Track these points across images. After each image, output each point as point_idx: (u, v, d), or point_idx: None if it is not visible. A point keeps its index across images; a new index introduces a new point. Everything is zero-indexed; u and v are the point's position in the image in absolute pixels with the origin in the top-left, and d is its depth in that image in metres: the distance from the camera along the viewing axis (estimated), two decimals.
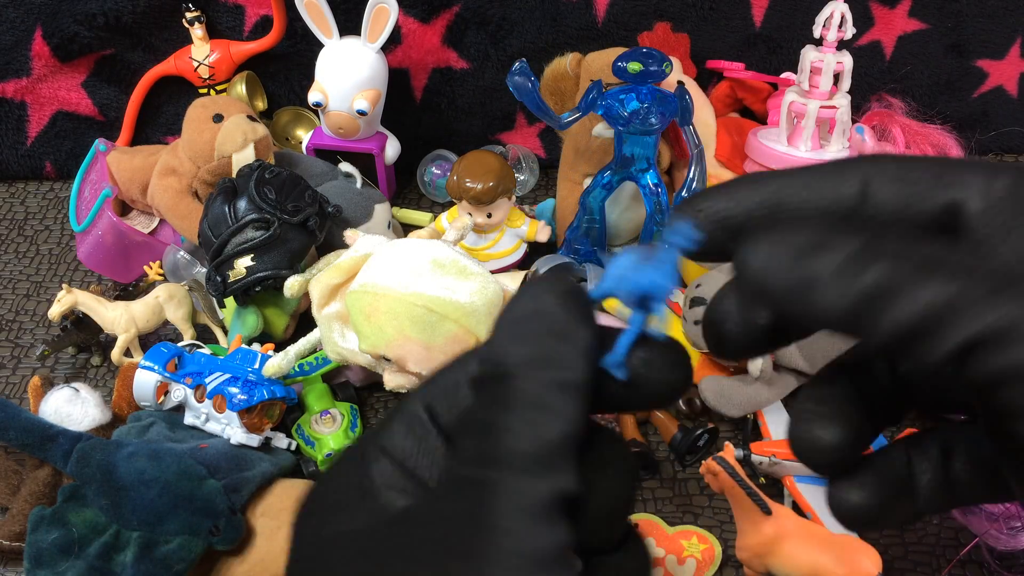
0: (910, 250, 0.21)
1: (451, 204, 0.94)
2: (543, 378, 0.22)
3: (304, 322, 0.90)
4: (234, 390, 0.75)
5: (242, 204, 0.82)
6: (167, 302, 0.86)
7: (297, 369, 0.81)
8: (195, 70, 1.02)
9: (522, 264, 0.93)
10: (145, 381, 0.76)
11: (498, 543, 0.21)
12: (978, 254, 0.22)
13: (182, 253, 0.91)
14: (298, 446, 0.79)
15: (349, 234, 0.83)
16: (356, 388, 0.85)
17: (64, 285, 0.85)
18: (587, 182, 0.92)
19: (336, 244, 0.86)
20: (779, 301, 0.23)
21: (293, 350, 0.78)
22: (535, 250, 0.94)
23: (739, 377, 0.80)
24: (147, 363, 0.77)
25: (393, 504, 0.24)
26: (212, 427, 0.76)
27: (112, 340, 0.86)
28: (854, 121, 0.96)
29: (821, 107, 0.90)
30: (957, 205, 0.23)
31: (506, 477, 0.22)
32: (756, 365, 0.77)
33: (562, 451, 0.22)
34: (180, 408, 0.78)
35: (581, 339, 0.23)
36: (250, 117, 0.90)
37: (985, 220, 0.23)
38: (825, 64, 0.89)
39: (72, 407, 0.76)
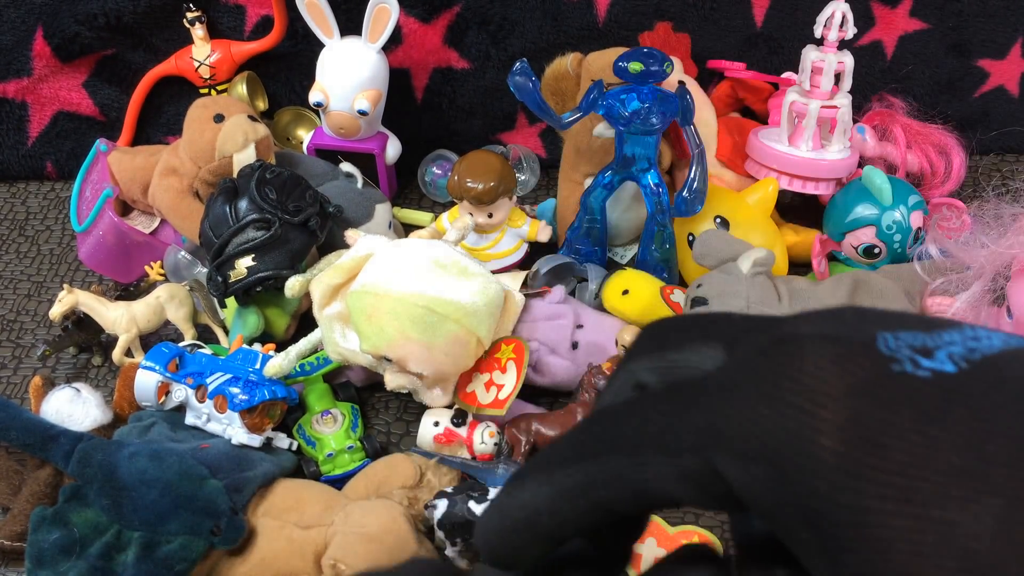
0: None
1: (452, 204, 0.94)
2: None
3: (305, 322, 0.90)
4: (235, 390, 0.75)
5: (243, 204, 0.82)
6: (168, 302, 0.86)
7: (298, 369, 0.81)
8: (196, 70, 1.02)
9: (523, 264, 0.93)
10: (146, 381, 0.76)
11: None
12: None
13: (183, 253, 0.91)
14: (299, 446, 0.79)
15: (350, 234, 0.83)
16: (357, 388, 0.85)
17: (65, 285, 0.85)
18: (588, 182, 0.92)
19: (337, 244, 0.86)
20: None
21: (294, 350, 0.78)
22: (536, 250, 0.94)
23: None
24: (148, 363, 0.77)
25: None
26: (213, 427, 0.76)
27: (113, 340, 0.86)
28: (855, 121, 0.96)
29: (822, 107, 0.90)
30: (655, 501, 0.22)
31: None
32: None
33: None
34: (181, 408, 0.78)
35: None
36: (251, 117, 0.90)
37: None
38: (826, 64, 0.89)
39: (73, 407, 0.76)
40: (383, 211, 0.93)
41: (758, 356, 0.20)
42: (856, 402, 0.18)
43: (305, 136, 1.03)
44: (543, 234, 0.93)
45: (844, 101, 0.91)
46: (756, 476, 0.19)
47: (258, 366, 0.77)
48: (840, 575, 0.18)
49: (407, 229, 0.99)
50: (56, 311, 0.85)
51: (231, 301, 0.86)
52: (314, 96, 0.95)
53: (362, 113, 0.95)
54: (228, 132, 0.89)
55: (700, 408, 0.20)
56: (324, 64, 0.95)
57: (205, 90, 1.04)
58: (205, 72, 1.02)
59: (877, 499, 0.17)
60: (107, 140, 1.03)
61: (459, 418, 0.77)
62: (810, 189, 0.93)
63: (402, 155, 1.02)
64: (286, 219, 0.82)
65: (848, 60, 0.90)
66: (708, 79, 1.06)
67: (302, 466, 0.78)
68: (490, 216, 0.89)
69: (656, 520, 0.73)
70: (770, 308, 0.78)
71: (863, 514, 0.17)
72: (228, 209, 0.82)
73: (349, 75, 0.94)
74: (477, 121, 1.07)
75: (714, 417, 0.20)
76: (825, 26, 0.89)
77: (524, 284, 0.89)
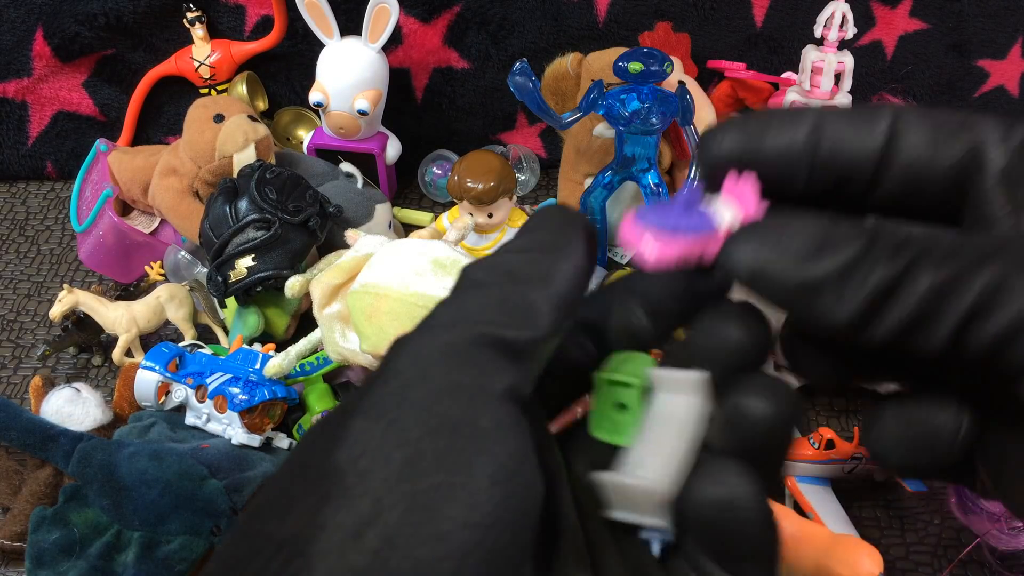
0: (905, 236, 0.21)
1: (452, 204, 0.94)
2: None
3: (305, 322, 0.90)
4: (235, 390, 0.75)
5: (243, 204, 0.82)
6: (168, 302, 0.86)
7: (298, 369, 0.81)
8: (196, 70, 1.02)
9: None
10: (146, 381, 0.76)
11: (385, 377, 0.21)
12: (979, 216, 0.23)
13: (183, 253, 0.91)
14: None
15: (350, 234, 0.83)
16: (357, 388, 0.85)
17: (65, 285, 0.85)
18: (588, 182, 0.92)
19: (337, 244, 0.86)
20: (779, 305, 0.22)
21: (294, 350, 0.78)
22: None
23: None
24: (148, 363, 0.77)
25: None
26: (213, 427, 0.76)
27: (113, 340, 0.86)
28: None
29: (822, 107, 0.90)
30: (977, 150, 0.23)
31: (417, 333, 0.22)
32: None
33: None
34: (181, 408, 0.78)
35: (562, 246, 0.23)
36: (251, 117, 0.90)
37: (1000, 173, 0.22)
38: (826, 64, 0.89)
39: (73, 407, 0.76)
40: (383, 211, 0.93)
41: None
42: None
43: (305, 136, 1.03)
44: None
45: (844, 101, 0.91)
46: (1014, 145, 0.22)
47: (258, 366, 0.77)
48: None
49: (407, 229, 0.99)
50: (56, 311, 0.85)
51: (231, 301, 0.86)
52: (314, 96, 0.95)
53: (362, 113, 0.95)
54: (228, 132, 0.89)
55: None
56: (324, 64, 0.95)
57: (205, 90, 1.04)
58: (205, 72, 1.02)
59: None
60: (107, 140, 1.03)
61: None
62: None
63: (402, 155, 1.02)
64: (286, 219, 0.82)
65: (848, 60, 0.90)
66: (708, 79, 1.06)
67: None
68: (490, 216, 0.89)
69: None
70: (770, 308, 0.78)
71: None
72: (228, 209, 0.82)
73: (349, 75, 0.94)
74: (477, 121, 1.07)
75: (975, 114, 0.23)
76: (825, 26, 0.89)
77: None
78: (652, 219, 0.23)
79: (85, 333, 0.88)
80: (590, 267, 0.24)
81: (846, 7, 0.88)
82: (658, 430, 0.22)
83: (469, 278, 0.23)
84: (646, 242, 0.23)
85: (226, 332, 0.89)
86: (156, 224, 0.99)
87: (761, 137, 0.24)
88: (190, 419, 0.77)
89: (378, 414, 0.20)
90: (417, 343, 0.21)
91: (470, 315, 0.21)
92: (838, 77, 0.91)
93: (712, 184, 0.24)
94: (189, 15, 1.00)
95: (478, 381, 0.20)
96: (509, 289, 0.22)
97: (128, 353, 0.86)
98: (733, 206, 0.23)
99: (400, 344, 0.22)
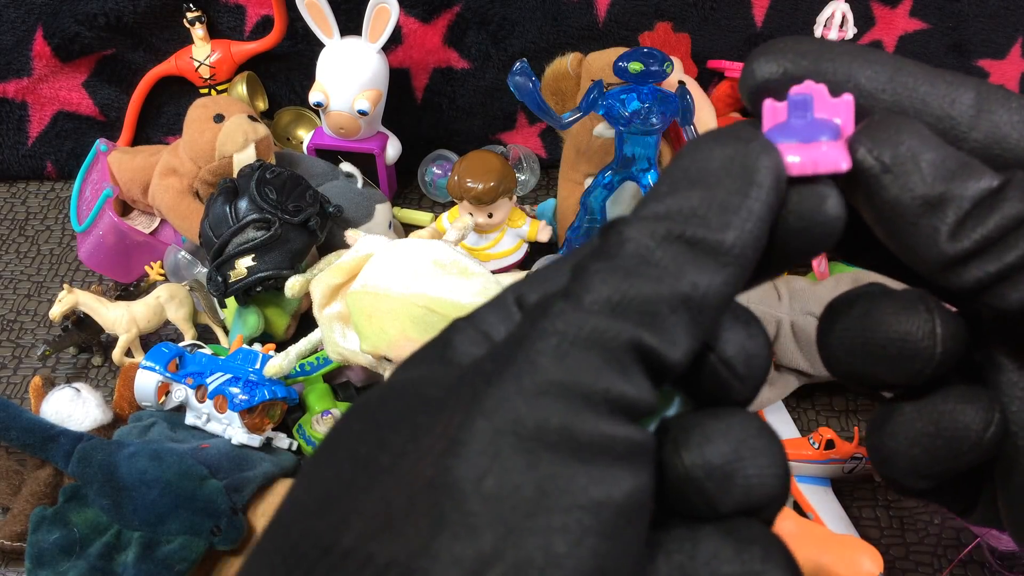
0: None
1: (452, 204, 0.94)
2: (659, 229, 0.19)
3: (305, 322, 0.90)
4: (235, 390, 0.75)
5: (243, 204, 0.82)
6: (168, 302, 0.86)
7: (298, 369, 0.81)
8: (196, 70, 1.02)
9: (523, 264, 0.93)
10: (146, 381, 0.76)
11: (517, 368, 0.18)
12: None
13: (183, 253, 0.91)
14: (299, 446, 0.79)
15: (350, 234, 0.83)
16: (357, 388, 0.85)
17: (65, 285, 0.85)
18: (588, 182, 0.92)
19: (337, 244, 0.86)
20: (880, 216, 0.20)
21: (294, 350, 0.78)
22: (536, 250, 0.94)
23: None
24: (148, 363, 0.77)
25: (465, 354, 0.21)
26: (213, 427, 0.76)
27: (113, 340, 0.86)
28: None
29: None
30: None
31: (564, 307, 0.18)
32: None
33: (655, 307, 0.18)
34: (181, 408, 0.78)
35: (740, 191, 0.19)
36: (251, 117, 0.90)
37: None
38: None
39: (73, 407, 0.76)
40: (383, 211, 0.93)
41: None
42: None
43: (305, 136, 1.03)
44: (543, 234, 0.93)
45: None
46: None
47: (258, 366, 0.77)
48: None
49: (407, 229, 0.99)
50: (56, 311, 0.85)
51: (231, 301, 0.86)
52: (314, 96, 0.95)
53: (362, 113, 0.95)
54: (228, 132, 0.89)
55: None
56: (324, 64, 0.95)
57: (205, 90, 1.04)
58: (205, 72, 1.02)
59: None
60: (107, 140, 1.03)
61: None
62: None
63: (402, 155, 1.02)
64: (286, 219, 0.82)
65: None
66: (708, 79, 1.06)
67: (302, 466, 0.78)
68: (490, 216, 0.89)
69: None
70: (770, 308, 0.78)
71: None
72: (228, 209, 0.82)
73: (349, 75, 0.94)
74: (477, 121, 1.07)
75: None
76: (825, 26, 0.89)
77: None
78: (787, 135, 0.20)
79: (85, 333, 0.88)
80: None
81: (846, 7, 0.88)
82: None
83: (637, 244, 0.19)
84: (794, 152, 0.20)
85: (226, 332, 0.89)
86: (156, 224, 0.99)
87: (815, 66, 0.21)
88: (190, 419, 0.77)
89: (506, 422, 0.17)
90: (565, 320, 0.18)
91: (634, 305, 0.18)
92: None
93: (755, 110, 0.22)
94: (189, 15, 1.00)
95: (624, 398, 0.18)
96: (678, 283, 0.18)
97: (128, 353, 0.86)
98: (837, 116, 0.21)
99: (542, 312, 0.18)
